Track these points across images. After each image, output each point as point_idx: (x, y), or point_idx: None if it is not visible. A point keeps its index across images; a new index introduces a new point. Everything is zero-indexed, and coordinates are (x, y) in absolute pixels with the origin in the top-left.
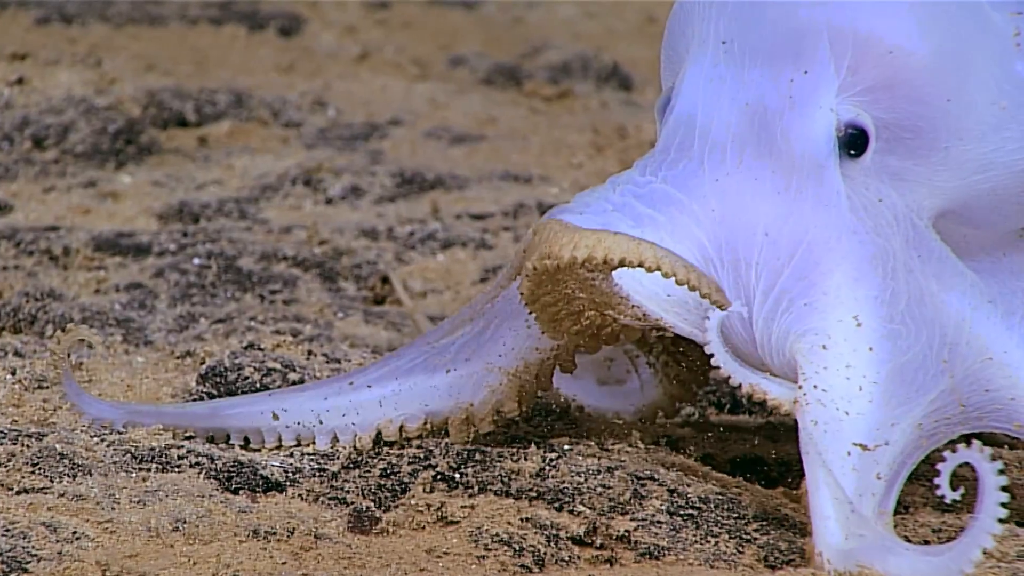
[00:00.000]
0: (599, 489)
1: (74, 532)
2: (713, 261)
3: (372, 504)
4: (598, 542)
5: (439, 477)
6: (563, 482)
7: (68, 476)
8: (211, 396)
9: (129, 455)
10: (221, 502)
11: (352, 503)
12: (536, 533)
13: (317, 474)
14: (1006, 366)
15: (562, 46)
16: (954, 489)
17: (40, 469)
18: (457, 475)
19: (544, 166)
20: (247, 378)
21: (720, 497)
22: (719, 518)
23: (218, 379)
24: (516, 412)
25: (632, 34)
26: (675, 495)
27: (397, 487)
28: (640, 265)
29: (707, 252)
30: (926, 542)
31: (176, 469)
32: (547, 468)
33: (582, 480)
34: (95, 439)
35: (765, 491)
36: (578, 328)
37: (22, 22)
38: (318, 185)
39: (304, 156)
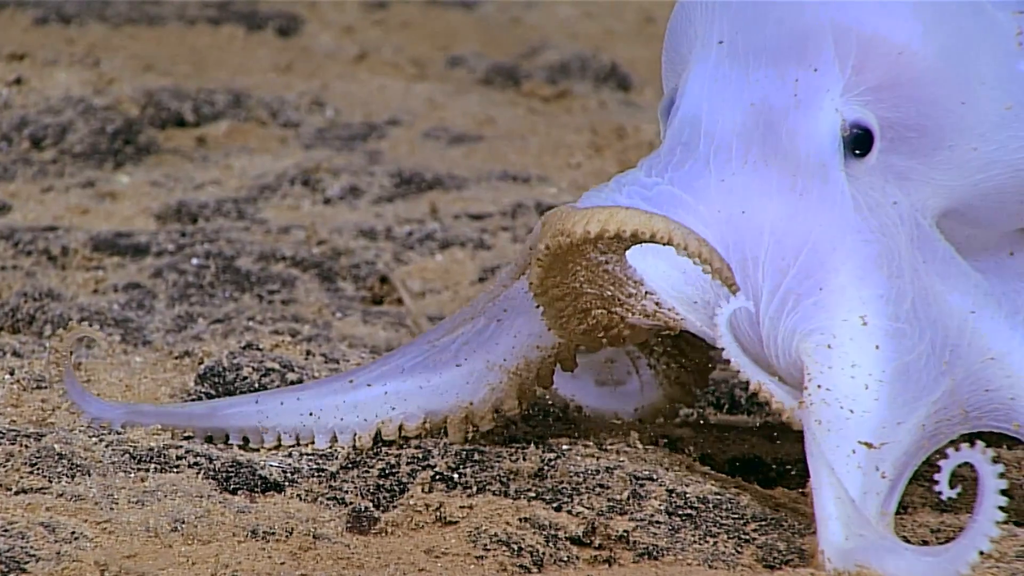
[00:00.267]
0: (598, 489)
1: (72, 532)
2: None
3: (371, 504)
4: (597, 542)
5: (438, 477)
6: (562, 482)
7: (67, 476)
8: (209, 396)
9: (128, 455)
10: (220, 502)
11: (351, 503)
12: (535, 533)
13: (316, 474)
14: (1007, 366)
15: (560, 46)
16: (952, 488)
17: (39, 469)
18: (456, 475)
19: (542, 166)
20: (245, 378)
21: (719, 497)
22: (718, 518)
23: (216, 379)
24: (516, 410)
25: (630, 34)
26: (674, 495)
27: (396, 487)
28: (652, 238)
29: None
30: (925, 542)
31: (175, 469)
32: (546, 468)
33: (581, 480)
34: (93, 439)
35: (764, 491)
36: (584, 327)
37: (20, 22)
38: (316, 185)
39: (302, 156)
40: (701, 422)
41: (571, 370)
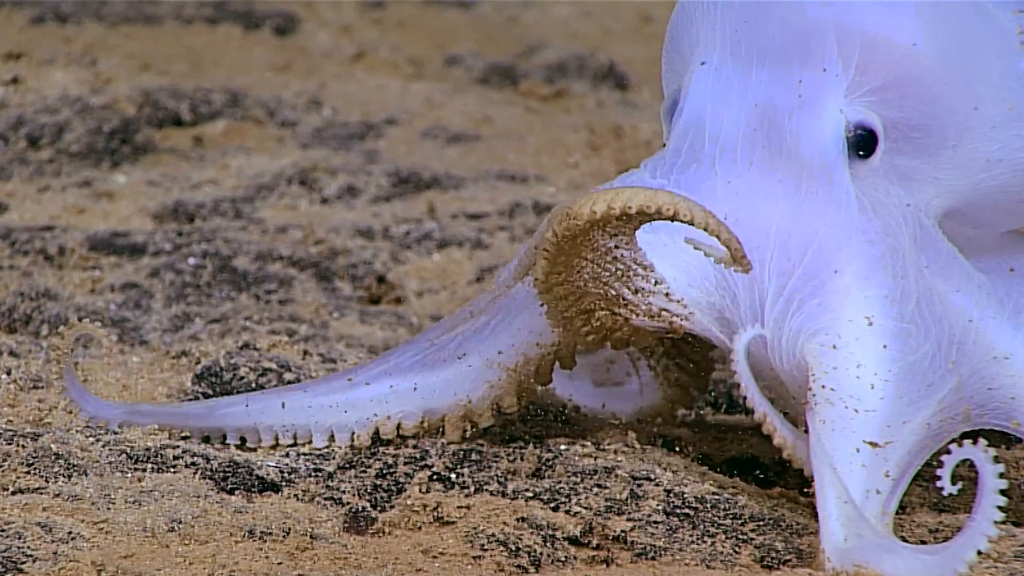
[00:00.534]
0: (595, 489)
1: (69, 532)
2: None
3: (368, 504)
4: (594, 542)
5: (435, 477)
6: (559, 482)
7: (63, 476)
8: (206, 396)
9: (124, 455)
10: (217, 502)
11: (348, 503)
12: (532, 533)
13: (313, 474)
14: (1009, 365)
15: (558, 45)
16: (952, 485)
17: (35, 469)
18: (453, 475)
19: (540, 166)
20: (242, 378)
21: (716, 497)
22: (715, 518)
23: (213, 379)
24: (515, 407)
25: (628, 33)
26: (671, 495)
27: (393, 487)
28: (658, 211)
29: None
30: (923, 542)
31: (172, 469)
32: (543, 468)
33: (578, 480)
34: (90, 439)
35: (762, 491)
36: (588, 329)
37: (17, 21)
38: (314, 185)
39: (300, 156)
40: (699, 422)
41: (570, 368)
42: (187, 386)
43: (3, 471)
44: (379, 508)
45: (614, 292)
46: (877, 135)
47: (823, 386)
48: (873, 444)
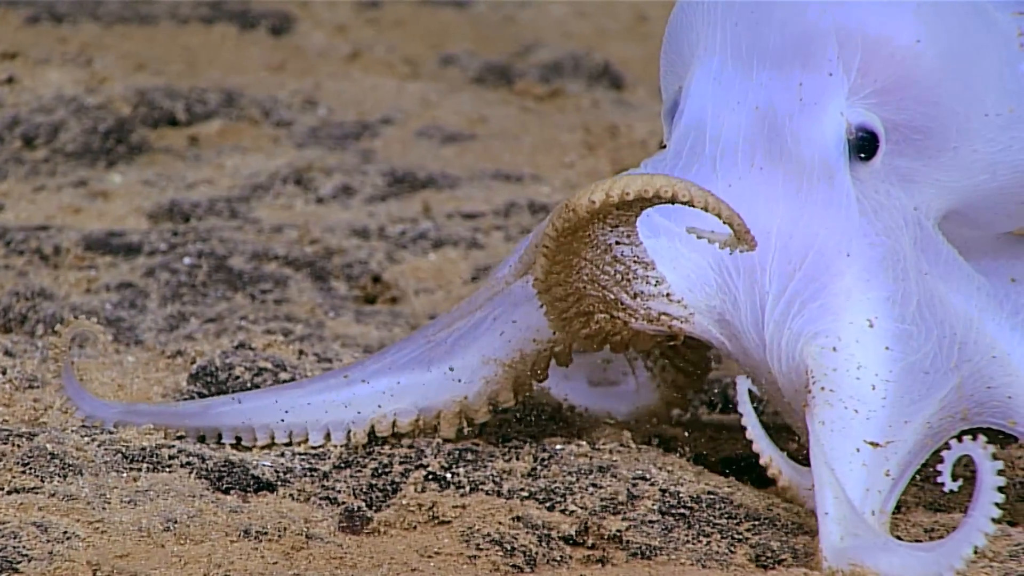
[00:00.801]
0: (591, 489)
1: (65, 532)
2: (728, 268)
3: (363, 504)
4: (590, 542)
5: (431, 477)
6: (555, 482)
7: (59, 476)
8: (202, 396)
9: (120, 455)
10: (212, 502)
11: (343, 503)
12: (528, 533)
13: (308, 474)
14: (1008, 364)
15: (553, 45)
16: (952, 481)
17: (31, 469)
18: (449, 475)
19: (535, 165)
20: (238, 378)
21: (712, 497)
22: (711, 518)
23: (209, 379)
24: (511, 402)
25: (623, 33)
26: (667, 495)
27: (388, 487)
28: (656, 196)
29: (722, 259)
30: (918, 541)
31: (167, 469)
32: (539, 468)
33: (574, 480)
34: (86, 439)
35: (757, 491)
36: (587, 332)
37: (12, 21)
38: (309, 184)
39: (295, 155)
40: (694, 422)
41: (567, 365)
42: (182, 386)
43: None
44: (375, 508)
45: (612, 296)
46: (878, 137)
47: (822, 388)
48: (874, 444)
